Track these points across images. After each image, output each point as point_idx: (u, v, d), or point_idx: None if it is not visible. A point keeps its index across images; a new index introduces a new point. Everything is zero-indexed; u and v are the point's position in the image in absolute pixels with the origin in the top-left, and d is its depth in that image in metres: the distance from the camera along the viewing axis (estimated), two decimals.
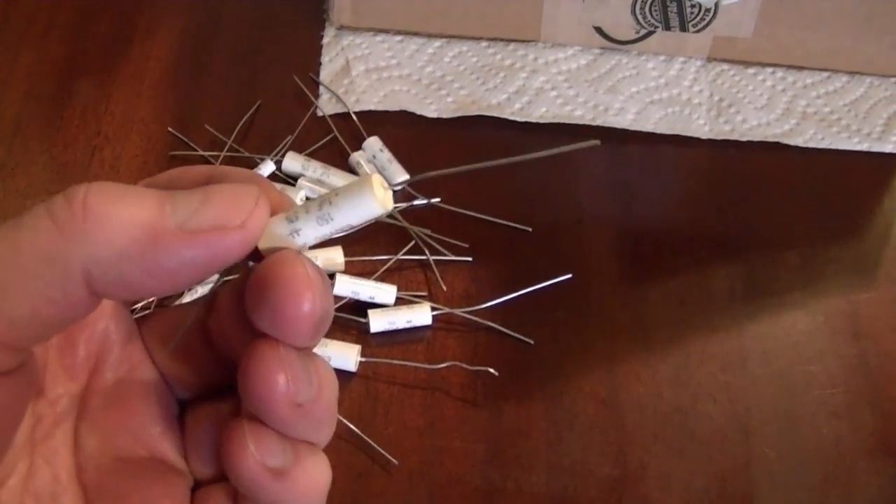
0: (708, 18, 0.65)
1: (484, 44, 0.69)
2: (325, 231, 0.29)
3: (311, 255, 0.56)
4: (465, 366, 0.55)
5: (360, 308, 0.56)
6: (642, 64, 0.68)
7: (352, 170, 0.62)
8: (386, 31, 0.69)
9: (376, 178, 0.29)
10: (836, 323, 0.58)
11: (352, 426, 0.52)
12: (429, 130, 0.65)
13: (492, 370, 0.55)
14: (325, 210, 0.29)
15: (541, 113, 0.65)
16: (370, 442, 0.52)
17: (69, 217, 0.25)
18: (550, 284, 0.58)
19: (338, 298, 0.56)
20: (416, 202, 0.61)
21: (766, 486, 0.53)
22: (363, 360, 0.55)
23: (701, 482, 0.53)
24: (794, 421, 0.55)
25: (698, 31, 0.66)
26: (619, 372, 0.56)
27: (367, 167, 0.61)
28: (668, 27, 0.66)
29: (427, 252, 0.59)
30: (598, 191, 0.63)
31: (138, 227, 0.26)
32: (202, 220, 0.26)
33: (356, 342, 0.55)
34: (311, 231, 0.29)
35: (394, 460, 0.52)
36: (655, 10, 0.65)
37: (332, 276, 0.56)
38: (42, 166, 0.62)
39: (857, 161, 0.65)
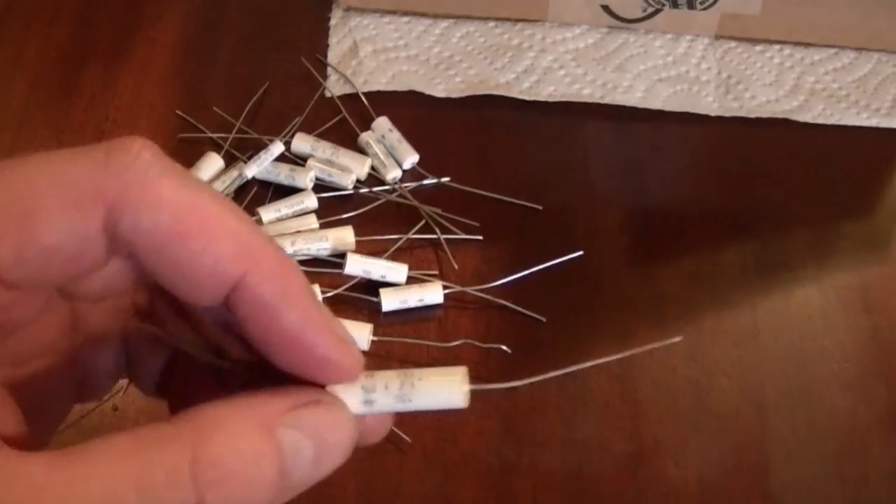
0: None
1: (491, 24, 0.68)
2: (398, 408, 0.29)
3: (322, 234, 0.56)
4: (477, 343, 0.55)
5: (372, 287, 0.56)
6: (650, 42, 0.68)
7: (361, 150, 0.62)
8: (393, 13, 0.69)
9: (464, 373, 0.29)
10: (847, 297, 0.58)
11: None
12: (438, 110, 0.65)
13: (504, 347, 0.54)
14: (406, 392, 0.28)
15: (549, 92, 0.65)
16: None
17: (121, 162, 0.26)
18: (562, 262, 0.58)
19: (349, 277, 0.56)
20: (425, 181, 0.61)
21: (781, 459, 0.52)
22: (375, 338, 0.55)
23: (716, 456, 0.52)
24: (808, 394, 0.55)
25: (706, 8, 0.66)
26: (631, 348, 0.55)
27: (375, 147, 0.61)
28: (675, 5, 0.66)
29: (438, 231, 0.59)
30: (607, 169, 0.63)
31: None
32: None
33: (368, 321, 0.55)
34: (385, 406, 0.28)
35: (407, 439, 0.52)
36: None
37: (342, 255, 0.56)
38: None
39: (866, 137, 0.65)
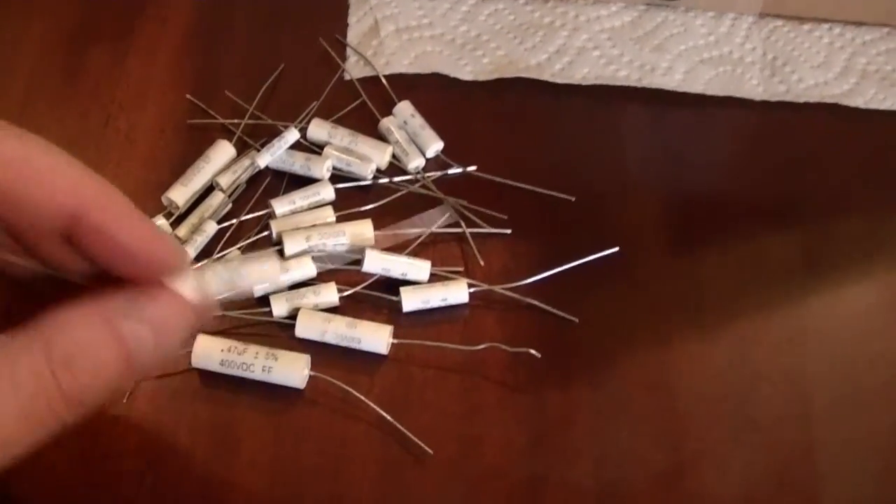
0: None
1: (521, 0, 0.64)
2: (225, 291, 0.36)
3: (340, 228, 0.53)
4: (505, 347, 0.51)
5: (392, 286, 0.53)
6: (690, 20, 0.64)
7: (381, 136, 0.58)
8: None
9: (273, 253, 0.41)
10: None
11: (384, 413, 0.49)
12: (463, 94, 0.61)
13: (533, 352, 0.51)
14: (233, 276, 0.37)
15: (583, 74, 0.61)
16: (403, 430, 0.49)
17: None
18: (596, 258, 0.54)
19: (367, 276, 0.53)
20: (450, 171, 0.57)
21: (831, 475, 0.49)
22: (395, 341, 0.51)
23: (760, 471, 0.49)
24: (860, 405, 0.51)
25: None
26: (670, 353, 0.52)
27: (397, 134, 0.58)
28: None
29: (463, 224, 0.55)
30: (645, 157, 0.59)
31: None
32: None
33: (388, 322, 0.52)
34: (215, 290, 0.36)
35: (429, 450, 0.48)
36: None
37: (360, 251, 0.52)
38: (54, 137, 0.56)
39: None
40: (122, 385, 0.36)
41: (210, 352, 0.49)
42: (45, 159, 0.34)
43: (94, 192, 0.34)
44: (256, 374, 0.49)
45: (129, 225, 0.34)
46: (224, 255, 0.54)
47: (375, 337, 0.51)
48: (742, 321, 0.53)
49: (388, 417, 0.49)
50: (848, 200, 0.58)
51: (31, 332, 0.31)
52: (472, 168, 0.57)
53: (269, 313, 0.52)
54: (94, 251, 0.34)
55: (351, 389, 0.49)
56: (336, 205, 0.55)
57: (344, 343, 0.51)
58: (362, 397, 0.49)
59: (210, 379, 0.50)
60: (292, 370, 0.49)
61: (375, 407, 0.49)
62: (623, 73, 0.61)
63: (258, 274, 0.38)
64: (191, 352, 0.50)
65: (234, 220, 0.55)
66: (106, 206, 0.34)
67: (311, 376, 0.50)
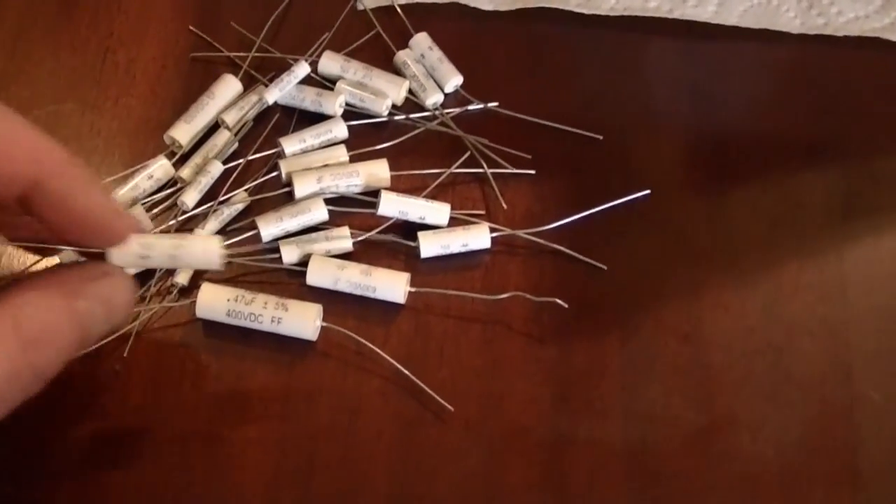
0: None
1: None
2: (166, 264, 0.40)
3: (353, 168, 0.50)
4: (529, 296, 0.48)
5: (410, 230, 0.50)
6: None
7: (397, 71, 0.55)
8: None
9: (219, 240, 0.40)
10: None
11: (401, 367, 0.46)
12: (483, 25, 0.57)
13: (560, 301, 0.48)
14: (176, 253, 0.40)
15: (611, 4, 0.58)
16: (422, 386, 0.46)
17: None
18: (625, 202, 0.51)
19: (383, 219, 0.50)
20: (470, 107, 0.54)
21: (872, 434, 0.46)
22: (412, 290, 0.49)
23: (798, 430, 0.46)
24: None
25: None
26: (703, 303, 0.49)
27: (413, 68, 0.54)
28: None
29: (484, 165, 0.52)
30: (676, 93, 0.56)
31: None
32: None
33: (405, 269, 0.49)
34: (157, 262, 0.40)
35: (449, 407, 0.46)
36: None
37: (376, 193, 0.49)
38: (48, 73, 0.55)
39: None
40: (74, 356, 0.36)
41: (215, 301, 0.47)
42: (5, 125, 0.35)
43: (54, 159, 0.36)
44: (265, 325, 0.46)
45: (86, 194, 0.36)
46: (230, 196, 0.51)
47: (391, 285, 0.48)
48: (778, 269, 0.51)
49: (406, 372, 0.46)
50: (890, 140, 0.55)
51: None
52: (493, 104, 0.54)
53: (279, 260, 0.49)
54: (50, 218, 0.36)
55: (366, 342, 0.47)
56: (349, 143, 0.52)
57: (358, 292, 0.48)
58: (378, 350, 0.47)
59: (216, 330, 0.48)
60: (303, 321, 0.47)
61: (392, 360, 0.46)
62: (653, 4, 0.58)
63: (201, 255, 0.40)
64: (195, 301, 0.47)
65: (240, 160, 0.52)
66: (65, 175, 0.36)
67: (323, 327, 0.47)
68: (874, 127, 0.55)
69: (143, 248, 0.39)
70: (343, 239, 0.49)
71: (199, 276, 0.49)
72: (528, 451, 0.46)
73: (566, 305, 0.48)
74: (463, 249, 0.50)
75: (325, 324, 0.47)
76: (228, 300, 0.47)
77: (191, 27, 0.57)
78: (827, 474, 0.46)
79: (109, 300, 0.38)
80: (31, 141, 0.35)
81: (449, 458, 0.45)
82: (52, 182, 0.36)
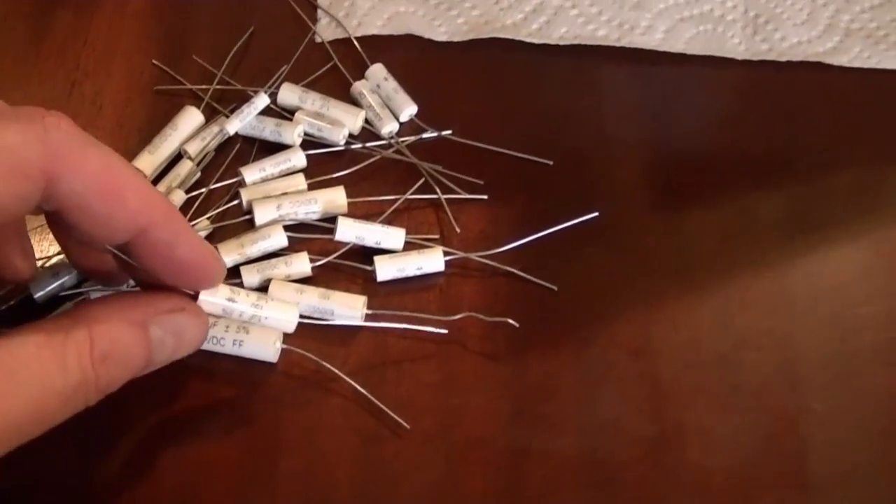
0: None
1: None
2: (247, 313, 0.45)
3: (311, 196, 0.51)
4: (481, 317, 0.50)
5: (366, 254, 0.51)
6: None
7: (354, 101, 0.56)
8: None
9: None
10: (891, 259, 0.53)
11: (359, 388, 0.47)
12: (438, 55, 0.59)
13: (511, 321, 0.50)
14: (258, 307, 0.46)
15: (560, 34, 0.60)
16: (379, 404, 0.47)
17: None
18: (576, 223, 0.53)
19: (341, 245, 0.51)
20: (425, 135, 0.55)
21: (818, 444, 0.48)
22: (370, 311, 0.50)
23: (746, 440, 0.48)
24: (848, 370, 0.49)
25: None
26: (654, 319, 0.51)
27: (370, 98, 0.56)
28: None
29: (438, 190, 0.54)
30: (626, 118, 0.57)
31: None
32: None
33: (362, 292, 0.50)
34: (242, 310, 0.45)
35: (406, 425, 0.47)
36: None
37: (333, 219, 0.51)
38: (17, 101, 0.55)
39: None
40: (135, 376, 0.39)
41: None
42: (125, 175, 0.36)
43: (161, 209, 0.38)
44: (227, 347, 0.47)
45: (188, 243, 0.39)
46: (193, 225, 0.52)
47: (349, 308, 0.49)
48: (727, 284, 0.52)
49: (364, 392, 0.47)
50: (835, 159, 0.56)
51: (75, 323, 0.36)
52: (447, 132, 0.56)
53: (240, 284, 0.50)
54: (151, 263, 0.39)
55: (325, 363, 0.48)
56: (308, 171, 0.54)
57: (317, 315, 0.49)
58: (337, 371, 0.48)
59: None
60: (264, 344, 0.48)
61: (350, 381, 0.47)
62: (602, 33, 0.60)
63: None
64: None
65: (203, 189, 0.53)
66: (169, 224, 0.38)
67: (283, 349, 0.48)
68: (820, 146, 0.57)
69: (231, 293, 0.43)
70: (302, 263, 0.50)
71: None
72: (486, 463, 0.47)
73: (517, 325, 0.50)
74: (418, 272, 0.51)
75: (285, 346, 0.48)
76: None
77: (154, 61, 0.58)
78: (775, 482, 0.47)
79: (181, 334, 0.40)
80: (143, 192, 0.37)
81: (409, 470, 0.46)
82: (157, 230, 0.38)
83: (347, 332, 0.50)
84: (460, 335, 0.50)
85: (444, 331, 0.49)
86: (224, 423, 0.47)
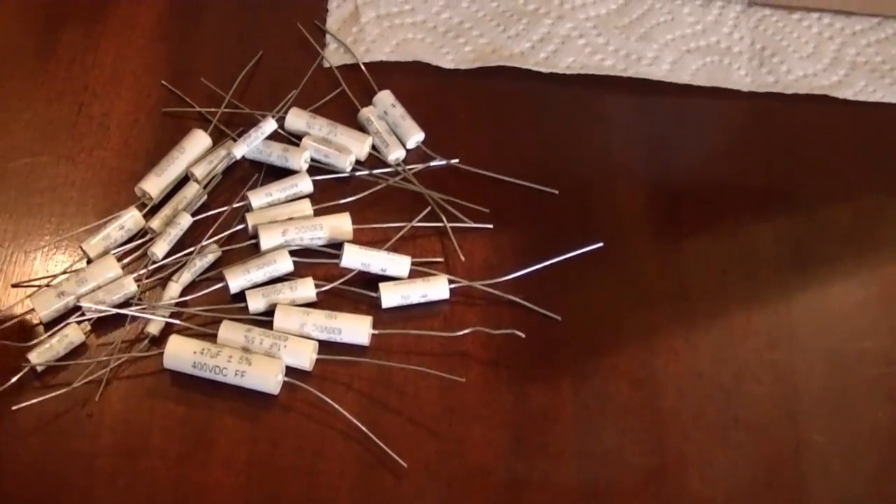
0: None
1: None
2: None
3: (317, 222, 0.51)
4: (487, 330, 0.50)
5: (372, 281, 0.52)
6: (677, 9, 0.63)
7: (361, 127, 0.57)
8: None
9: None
10: (892, 293, 0.53)
11: (359, 424, 0.47)
12: (445, 83, 0.60)
13: (518, 332, 0.50)
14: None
15: (567, 63, 0.60)
16: (379, 442, 0.47)
17: None
18: (579, 253, 0.53)
19: (346, 271, 0.51)
20: (432, 163, 0.56)
21: (817, 476, 0.48)
22: (376, 332, 0.50)
23: (745, 471, 0.48)
24: (847, 403, 0.50)
25: None
26: (655, 349, 0.51)
27: (377, 124, 0.56)
28: None
29: (444, 218, 0.54)
30: (631, 149, 0.58)
31: None
32: None
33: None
34: None
35: (403, 464, 0.47)
36: None
37: (338, 245, 0.51)
38: (24, 125, 0.57)
39: None
40: None
41: (182, 354, 0.48)
42: None
43: None
44: (230, 378, 0.48)
45: None
46: (202, 247, 0.52)
47: (356, 327, 0.50)
48: (728, 316, 0.52)
49: (364, 429, 0.47)
50: (838, 192, 0.57)
51: None
52: (454, 161, 0.56)
53: (246, 309, 0.50)
54: None
55: (327, 398, 0.48)
56: (314, 197, 0.54)
57: (324, 335, 0.49)
58: (338, 407, 0.48)
59: (183, 379, 0.49)
60: (266, 376, 0.48)
61: (351, 418, 0.47)
62: (609, 63, 0.60)
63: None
64: (163, 352, 0.48)
65: (209, 213, 0.53)
66: None
67: (285, 381, 0.49)
68: (822, 179, 0.57)
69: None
70: (307, 289, 0.51)
71: (169, 328, 0.50)
72: (486, 492, 0.47)
73: (523, 335, 0.50)
74: (422, 300, 0.51)
75: (287, 379, 0.49)
76: (195, 352, 0.48)
77: (163, 82, 0.59)
78: None
79: None
80: None
81: (410, 499, 0.47)
82: None
83: (350, 365, 0.50)
84: (464, 362, 0.50)
85: (462, 379, 0.50)
86: (225, 452, 0.48)
